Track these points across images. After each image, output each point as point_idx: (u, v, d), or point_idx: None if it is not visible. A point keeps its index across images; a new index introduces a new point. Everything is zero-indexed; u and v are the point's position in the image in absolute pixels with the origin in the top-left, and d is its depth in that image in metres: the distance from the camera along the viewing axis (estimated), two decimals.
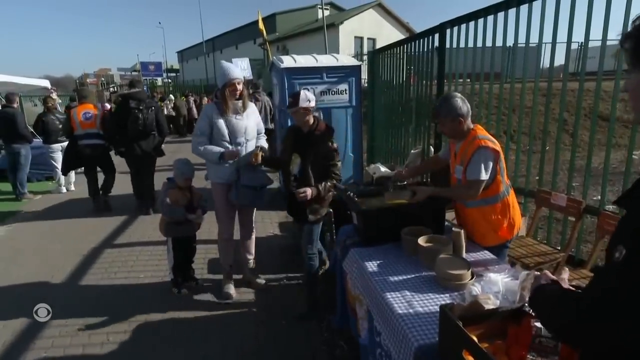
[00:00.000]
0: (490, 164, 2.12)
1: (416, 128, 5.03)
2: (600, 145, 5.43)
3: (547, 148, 3.44)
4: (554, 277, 1.25)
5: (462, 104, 2.17)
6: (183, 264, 3.40)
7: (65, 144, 5.92)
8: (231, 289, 3.30)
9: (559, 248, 3.02)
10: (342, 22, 22.83)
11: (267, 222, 4.92)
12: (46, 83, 10.02)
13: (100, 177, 5.77)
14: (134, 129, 5.08)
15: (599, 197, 2.93)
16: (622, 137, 8.71)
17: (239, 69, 4.94)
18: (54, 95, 8.33)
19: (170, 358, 2.57)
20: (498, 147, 2.14)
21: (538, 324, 1.29)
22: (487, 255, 2.17)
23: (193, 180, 3.30)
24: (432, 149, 4.60)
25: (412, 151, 4.83)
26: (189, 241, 3.41)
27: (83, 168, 5.77)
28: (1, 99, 7.73)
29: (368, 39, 24.28)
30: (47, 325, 2.91)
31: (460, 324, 1.26)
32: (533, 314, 1.40)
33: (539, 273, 1.48)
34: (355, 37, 23.76)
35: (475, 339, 1.24)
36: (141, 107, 5.11)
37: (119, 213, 5.52)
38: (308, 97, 2.67)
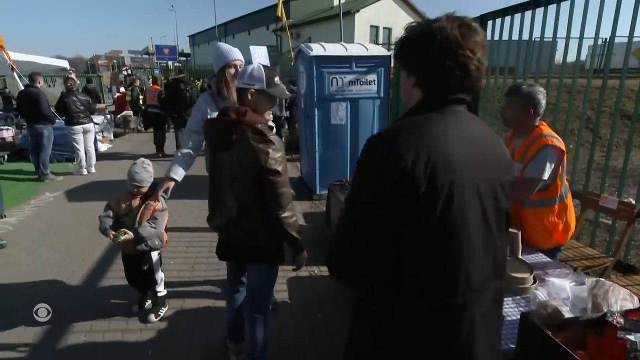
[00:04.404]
0: (553, 165, 2.04)
1: None
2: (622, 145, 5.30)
3: (571, 147, 3.38)
4: None
5: (542, 98, 2.11)
6: (136, 280, 2.86)
7: (87, 125, 6.93)
8: None
9: (601, 251, 2.95)
10: (358, 10, 22.39)
11: None
12: (65, 63, 9.99)
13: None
14: (184, 102, 7.41)
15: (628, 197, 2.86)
16: None
17: (257, 56, 4.97)
18: (73, 76, 8.33)
19: (207, 345, 2.56)
20: (563, 146, 2.06)
21: (631, 337, 1.24)
22: (542, 257, 2.11)
23: None
24: None
25: None
26: (137, 260, 2.73)
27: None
28: (21, 78, 7.71)
29: (384, 28, 23.86)
30: (85, 309, 2.92)
31: (550, 334, 1.22)
32: (616, 324, 1.35)
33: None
34: (371, 26, 23.35)
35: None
36: (187, 88, 7.51)
37: None
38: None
